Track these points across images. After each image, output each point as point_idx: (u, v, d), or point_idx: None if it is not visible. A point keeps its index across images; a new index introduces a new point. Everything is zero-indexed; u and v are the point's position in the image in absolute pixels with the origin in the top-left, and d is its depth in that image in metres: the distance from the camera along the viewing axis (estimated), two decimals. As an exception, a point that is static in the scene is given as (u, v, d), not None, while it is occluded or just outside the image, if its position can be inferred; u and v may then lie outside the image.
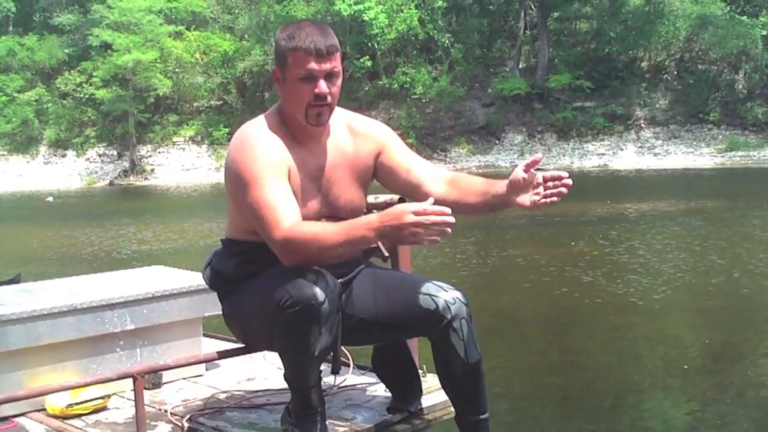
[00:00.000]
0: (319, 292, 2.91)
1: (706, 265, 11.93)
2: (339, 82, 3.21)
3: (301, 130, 3.24)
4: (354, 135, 3.37)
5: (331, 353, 3.28)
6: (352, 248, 2.99)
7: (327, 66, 3.14)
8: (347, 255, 3.05)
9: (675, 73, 43.35)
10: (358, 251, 3.06)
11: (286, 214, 3.01)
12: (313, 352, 2.99)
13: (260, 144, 3.16)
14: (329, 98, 3.16)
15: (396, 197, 3.80)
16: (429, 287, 3.20)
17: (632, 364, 7.49)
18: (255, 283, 3.18)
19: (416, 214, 2.80)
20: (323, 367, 3.29)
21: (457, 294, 3.20)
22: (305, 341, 2.96)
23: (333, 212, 3.25)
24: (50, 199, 35.08)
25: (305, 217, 3.11)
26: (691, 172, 33.62)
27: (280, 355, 3.14)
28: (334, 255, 2.98)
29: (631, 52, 44.09)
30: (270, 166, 3.10)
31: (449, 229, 2.81)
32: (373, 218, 2.91)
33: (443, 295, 3.17)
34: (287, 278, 2.97)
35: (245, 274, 3.25)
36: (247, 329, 3.32)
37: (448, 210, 2.81)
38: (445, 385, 3.30)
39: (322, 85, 3.14)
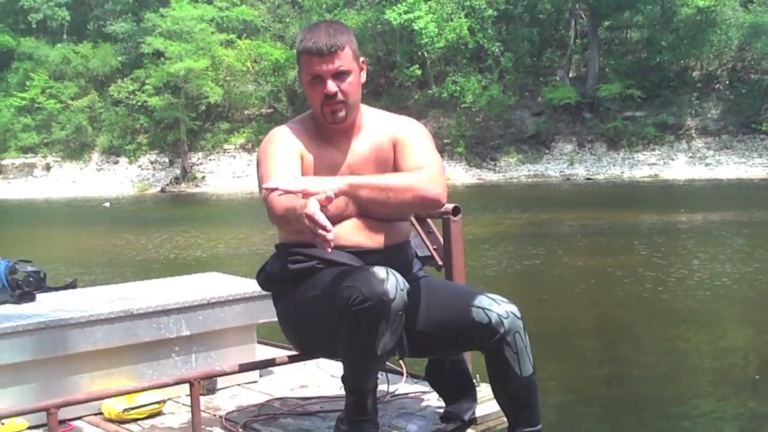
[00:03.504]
0: (390, 289, 2.90)
1: (759, 276, 11.80)
2: (351, 79, 3.24)
3: (328, 129, 3.31)
4: (383, 132, 3.37)
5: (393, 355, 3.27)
6: (294, 218, 2.90)
7: (332, 65, 3.19)
8: (295, 223, 2.93)
9: (727, 82, 42.87)
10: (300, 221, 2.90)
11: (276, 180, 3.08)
12: (376, 351, 2.97)
13: (278, 135, 3.30)
14: (340, 96, 3.21)
15: (450, 206, 3.79)
16: (482, 300, 3.16)
17: (685, 376, 7.42)
18: (312, 285, 3.19)
19: (307, 216, 2.75)
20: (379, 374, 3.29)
21: (511, 308, 3.15)
22: (371, 339, 2.94)
23: (362, 210, 3.25)
24: (107, 204, 35.69)
25: (333, 214, 3.08)
26: (744, 183, 33.29)
27: (342, 355, 3.12)
28: (284, 218, 2.99)
29: (682, 61, 43.68)
30: (280, 149, 3.23)
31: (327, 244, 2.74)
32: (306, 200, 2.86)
33: (496, 308, 3.13)
34: (356, 276, 2.98)
35: (292, 276, 3.27)
36: (302, 332, 3.33)
37: (328, 228, 2.72)
38: (499, 397, 3.26)
39: (330, 85, 3.19)
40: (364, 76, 3.33)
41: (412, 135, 3.36)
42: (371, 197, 3.05)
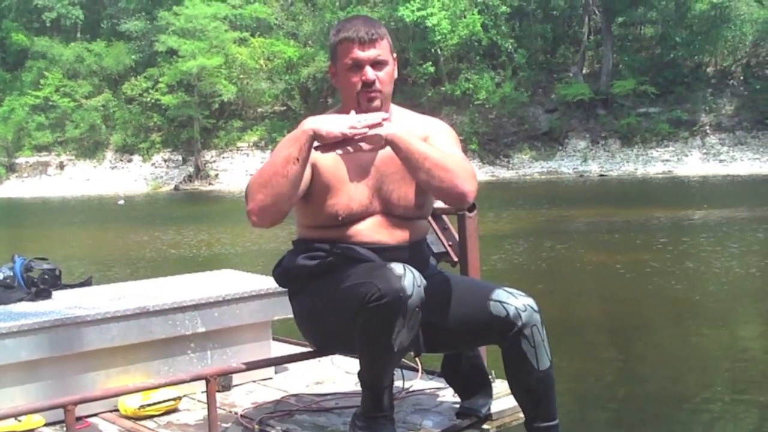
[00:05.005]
0: (407, 285, 2.90)
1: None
2: (388, 69, 3.24)
3: None
4: (414, 132, 3.27)
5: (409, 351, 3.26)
6: (293, 145, 3.02)
7: (371, 53, 3.18)
8: (293, 162, 3.02)
9: (741, 78, 42.67)
10: (302, 154, 3.03)
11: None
12: (393, 347, 2.97)
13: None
14: (377, 84, 3.20)
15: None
16: (500, 294, 3.16)
17: (697, 373, 7.41)
18: (330, 281, 3.17)
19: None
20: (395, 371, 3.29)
21: (529, 301, 3.16)
22: (388, 335, 2.94)
23: (385, 208, 3.25)
24: (121, 201, 35.94)
25: (356, 211, 3.19)
26: (758, 179, 33.14)
27: (359, 351, 3.11)
28: (281, 166, 3.02)
29: (696, 57, 43.50)
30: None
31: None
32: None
33: (514, 302, 3.14)
34: (373, 272, 2.97)
35: (310, 272, 3.26)
36: (319, 328, 3.31)
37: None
38: (515, 391, 3.27)
39: (369, 72, 3.18)
40: (395, 72, 3.32)
41: (442, 133, 3.36)
42: (408, 157, 3.06)
